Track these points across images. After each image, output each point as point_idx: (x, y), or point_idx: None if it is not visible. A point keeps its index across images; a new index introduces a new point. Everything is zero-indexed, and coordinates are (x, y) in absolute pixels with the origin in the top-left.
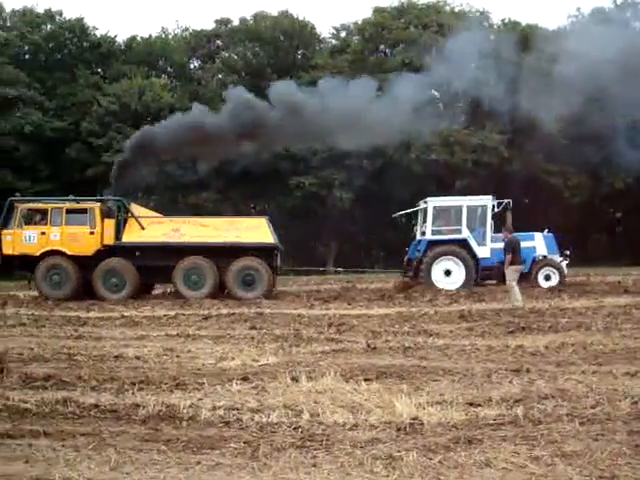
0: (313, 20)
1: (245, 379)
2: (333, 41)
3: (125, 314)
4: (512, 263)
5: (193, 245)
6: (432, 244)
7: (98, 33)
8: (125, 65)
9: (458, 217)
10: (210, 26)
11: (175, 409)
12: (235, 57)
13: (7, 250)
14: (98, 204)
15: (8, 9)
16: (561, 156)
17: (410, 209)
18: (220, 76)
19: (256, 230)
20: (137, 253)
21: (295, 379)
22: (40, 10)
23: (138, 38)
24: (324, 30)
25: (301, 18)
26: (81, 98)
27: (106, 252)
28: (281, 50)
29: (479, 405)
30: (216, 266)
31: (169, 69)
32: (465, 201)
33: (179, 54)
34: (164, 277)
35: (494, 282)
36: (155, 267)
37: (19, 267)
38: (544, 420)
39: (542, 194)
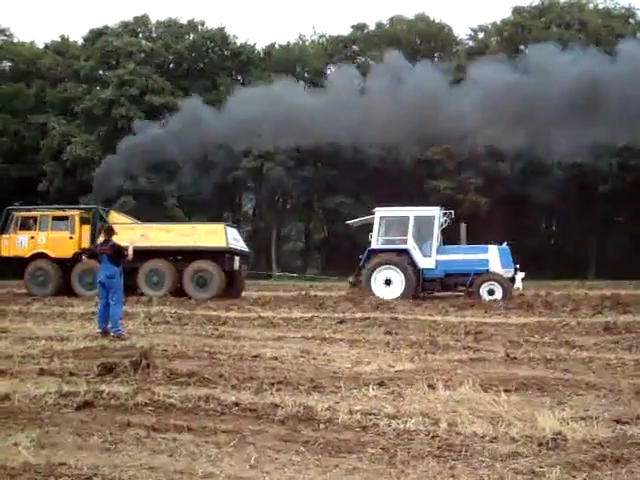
0: (450, 22)
1: (381, 384)
2: (470, 42)
3: (262, 315)
4: None
5: (155, 249)
6: (374, 253)
7: (238, 42)
8: (264, 72)
9: (405, 227)
10: (347, 31)
11: (313, 411)
12: (372, 62)
13: (4, 252)
14: (78, 212)
15: (153, 20)
16: None
17: (364, 217)
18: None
19: (212, 235)
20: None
21: (432, 387)
22: (184, 21)
23: (276, 45)
24: (461, 32)
25: (437, 20)
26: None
27: (83, 255)
28: (418, 53)
29: (627, 422)
30: (175, 268)
31: (306, 75)
32: (412, 212)
33: (316, 60)
34: (131, 278)
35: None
36: (123, 268)
37: (15, 267)
38: None
39: None
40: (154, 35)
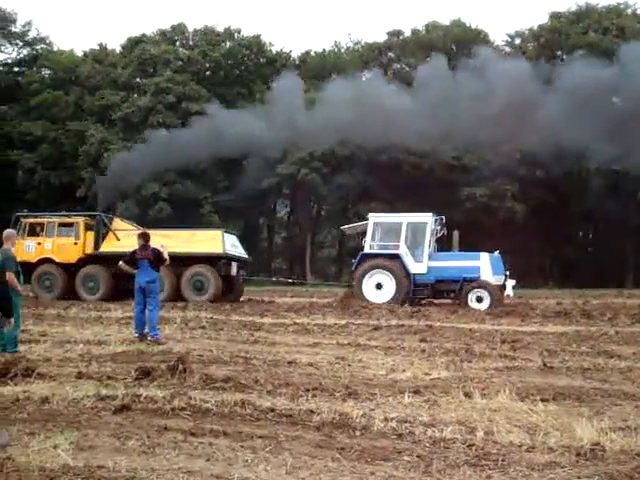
0: (486, 28)
1: (417, 392)
2: (507, 48)
3: (297, 321)
4: None
5: None
6: (367, 257)
7: (274, 49)
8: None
9: (398, 233)
10: (382, 38)
11: (348, 418)
12: (407, 68)
13: None
14: (83, 218)
15: (191, 28)
16: None
17: (358, 223)
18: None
19: (210, 242)
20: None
21: (468, 395)
22: (220, 29)
23: (312, 53)
24: (498, 37)
25: (474, 26)
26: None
27: (87, 260)
28: (454, 59)
29: None
30: (173, 273)
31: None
32: (405, 218)
33: (351, 67)
34: (133, 283)
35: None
36: (125, 274)
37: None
38: None
39: None
40: (191, 43)
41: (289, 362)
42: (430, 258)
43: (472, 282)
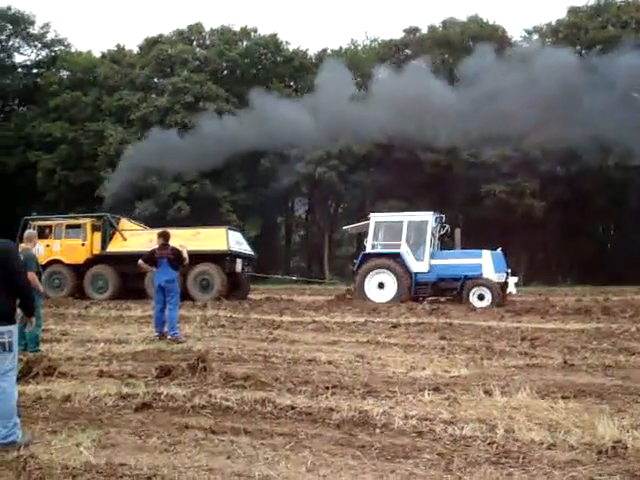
0: (503, 24)
1: (437, 390)
2: (525, 44)
3: (316, 319)
4: None
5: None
6: (368, 257)
7: (291, 47)
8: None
9: (399, 232)
10: (399, 35)
11: (368, 415)
12: (424, 65)
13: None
14: (90, 220)
15: (207, 28)
16: None
17: (360, 223)
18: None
19: (215, 239)
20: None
21: (488, 393)
22: (237, 28)
23: (329, 50)
24: (515, 33)
25: (491, 22)
26: None
27: (94, 260)
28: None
29: None
30: (179, 272)
31: (358, 79)
32: (406, 217)
33: (368, 64)
34: (140, 282)
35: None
36: (132, 273)
37: None
38: None
39: None
40: (208, 43)
41: (308, 360)
42: (432, 257)
43: (474, 280)
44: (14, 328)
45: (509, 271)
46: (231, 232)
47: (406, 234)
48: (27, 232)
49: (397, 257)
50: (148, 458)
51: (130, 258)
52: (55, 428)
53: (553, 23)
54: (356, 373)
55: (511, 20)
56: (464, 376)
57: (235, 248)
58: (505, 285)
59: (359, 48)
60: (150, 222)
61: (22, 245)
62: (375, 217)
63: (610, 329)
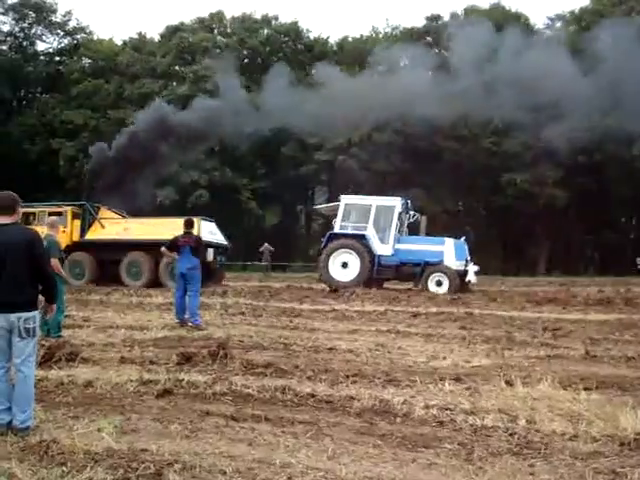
0: (526, 11)
1: (457, 379)
2: (548, 32)
3: (336, 308)
4: None
5: (135, 241)
6: (335, 237)
7: (311, 35)
8: (337, 65)
9: (367, 215)
10: (421, 23)
11: (389, 404)
12: (445, 53)
13: None
14: (70, 207)
15: (228, 16)
16: None
17: (331, 204)
18: (430, 72)
19: None
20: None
21: (509, 383)
22: (258, 16)
23: (349, 38)
24: (538, 21)
25: (514, 10)
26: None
27: (73, 246)
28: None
29: None
30: (152, 260)
31: (380, 67)
32: (375, 201)
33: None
34: (115, 268)
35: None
36: (108, 260)
37: None
38: None
39: None
40: (229, 31)
41: (329, 348)
42: (396, 241)
43: (433, 266)
44: (37, 314)
45: (469, 259)
46: (204, 222)
47: (374, 217)
48: (50, 218)
49: (362, 238)
50: (169, 444)
51: (107, 246)
52: (77, 413)
53: (576, 11)
54: (376, 362)
55: (533, 8)
56: (485, 366)
57: (207, 238)
58: (465, 273)
59: (380, 36)
60: (170, 210)
61: (45, 232)
62: (345, 199)
63: (632, 320)
